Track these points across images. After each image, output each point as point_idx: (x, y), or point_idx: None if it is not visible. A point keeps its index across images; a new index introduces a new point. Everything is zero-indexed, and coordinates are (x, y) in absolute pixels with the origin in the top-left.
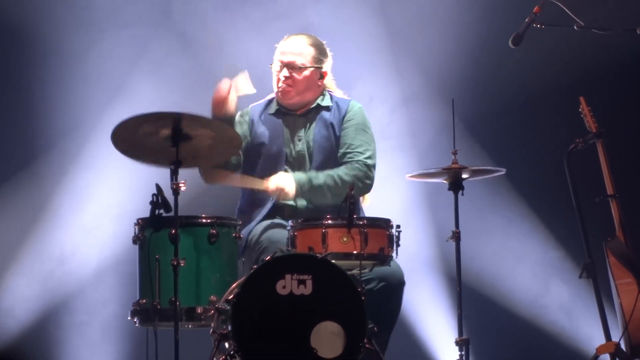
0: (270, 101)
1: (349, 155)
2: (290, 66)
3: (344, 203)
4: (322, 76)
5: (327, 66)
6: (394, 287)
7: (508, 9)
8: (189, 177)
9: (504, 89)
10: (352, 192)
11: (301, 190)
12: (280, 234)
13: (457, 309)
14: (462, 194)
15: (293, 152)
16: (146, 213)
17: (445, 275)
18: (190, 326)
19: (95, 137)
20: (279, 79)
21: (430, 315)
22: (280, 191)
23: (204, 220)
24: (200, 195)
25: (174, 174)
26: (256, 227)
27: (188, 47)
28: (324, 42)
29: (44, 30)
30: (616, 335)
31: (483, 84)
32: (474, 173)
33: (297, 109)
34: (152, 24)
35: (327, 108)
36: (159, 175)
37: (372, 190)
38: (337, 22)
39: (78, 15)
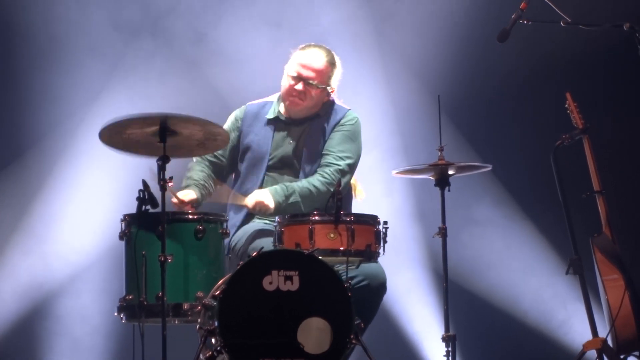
0: (267, 103)
1: (326, 159)
2: (306, 82)
3: (331, 199)
4: (329, 94)
5: (336, 82)
6: (374, 287)
7: (494, 5)
8: (176, 173)
9: (491, 86)
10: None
11: (279, 205)
12: (265, 243)
13: (444, 305)
14: (449, 190)
15: (281, 157)
16: (133, 209)
17: (432, 271)
18: (176, 322)
19: (81, 133)
20: (292, 89)
21: (417, 312)
22: (261, 205)
23: (190, 216)
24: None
25: (161, 170)
26: (239, 233)
27: (174, 42)
28: (337, 57)
29: (30, 24)
30: (603, 331)
31: (469, 80)
32: (460, 169)
33: (299, 119)
34: (138, 19)
35: (324, 114)
36: (147, 170)
37: (359, 186)
38: (324, 20)
39: (64, 10)
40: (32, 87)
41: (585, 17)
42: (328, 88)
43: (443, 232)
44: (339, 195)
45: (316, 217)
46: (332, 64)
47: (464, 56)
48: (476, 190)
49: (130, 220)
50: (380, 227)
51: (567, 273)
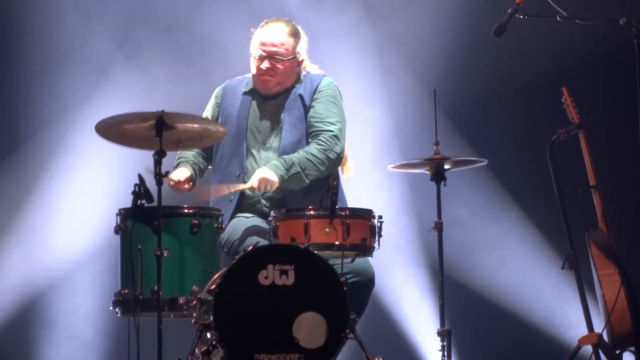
0: (245, 78)
1: (316, 127)
2: (271, 57)
3: (326, 193)
4: (299, 63)
5: (303, 51)
6: (364, 283)
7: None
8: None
9: (486, 80)
10: (323, 174)
11: (282, 178)
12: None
13: (439, 300)
14: (445, 185)
15: (260, 130)
16: (128, 203)
17: (428, 265)
18: (172, 316)
19: (76, 127)
20: (259, 69)
21: (412, 306)
22: (265, 182)
23: (186, 211)
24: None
25: (157, 164)
26: (229, 229)
27: (170, 35)
28: (298, 26)
29: (25, 23)
30: (598, 326)
31: (465, 74)
32: (456, 164)
33: (274, 95)
34: (134, 12)
35: (300, 84)
36: (143, 165)
37: (354, 181)
38: (320, 15)
39: (61, 4)
40: (27, 82)
41: (581, 11)
42: (297, 57)
43: (439, 227)
44: (334, 190)
45: (311, 212)
46: (293, 34)
47: (460, 50)
48: (472, 185)
49: (125, 215)
50: (376, 221)
51: (562, 268)
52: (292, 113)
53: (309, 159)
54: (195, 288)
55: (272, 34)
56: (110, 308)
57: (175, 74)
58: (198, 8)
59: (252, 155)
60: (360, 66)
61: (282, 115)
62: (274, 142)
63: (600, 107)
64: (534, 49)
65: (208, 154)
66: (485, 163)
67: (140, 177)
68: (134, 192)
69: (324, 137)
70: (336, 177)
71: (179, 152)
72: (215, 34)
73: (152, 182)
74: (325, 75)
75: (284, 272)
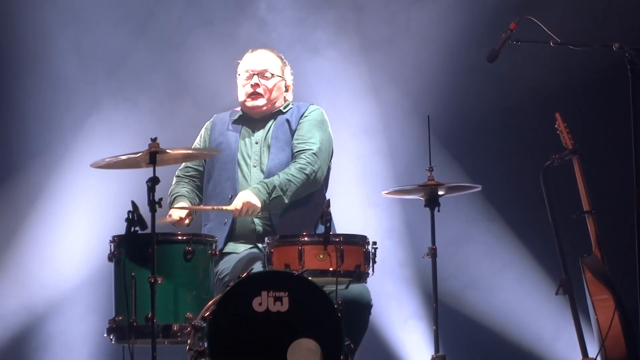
0: (234, 111)
1: (298, 147)
2: (260, 74)
3: (320, 220)
4: (287, 89)
5: (289, 79)
6: (362, 307)
7: (484, 25)
8: (165, 194)
9: (480, 106)
10: (304, 191)
11: (264, 203)
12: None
13: (434, 325)
14: (439, 211)
15: (248, 154)
16: (122, 230)
17: (422, 291)
18: (166, 343)
19: (70, 155)
20: (248, 87)
21: (407, 332)
22: (248, 206)
23: (179, 238)
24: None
25: (150, 191)
26: (224, 265)
27: (163, 61)
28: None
29: (18, 49)
30: (593, 351)
31: (459, 100)
32: (450, 190)
33: (262, 117)
34: (126, 38)
35: (287, 111)
36: (136, 191)
37: (348, 207)
38: (313, 41)
39: (54, 33)
40: (21, 110)
41: (575, 37)
42: (284, 80)
43: (433, 253)
44: (327, 217)
45: (305, 238)
46: (280, 58)
47: (453, 76)
48: (466, 210)
49: (119, 242)
50: (370, 247)
51: (557, 293)
52: (279, 137)
53: (289, 180)
54: (189, 315)
55: (259, 57)
56: (105, 335)
57: (165, 105)
58: (186, 44)
59: (244, 177)
60: (353, 92)
61: (270, 139)
62: (262, 164)
63: (594, 133)
64: (527, 75)
65: (199, 187)
66: (479, 189)
67: (133, 204)
68: (127, 219)
69: (303, 156)
70: (329, 204)
71: (171, 187)
72: (205, 68)
73: (146, 209)
74: (312, 104)
75: (278, 299)
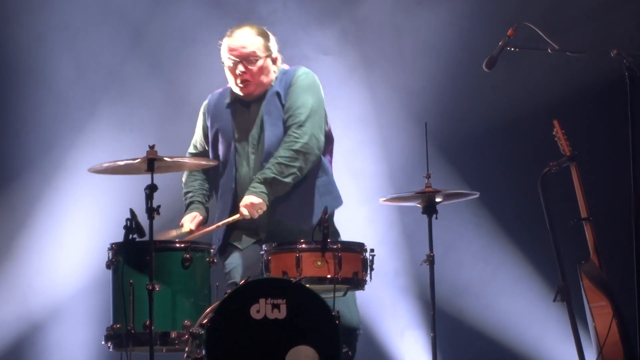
0: (226, 89)
1: (287, 122)
2: (245, 60)
3: (318, 227)
4: (274, 62)
5: (275, 50)
6: (348, 332)
7: (481, 32)
8: (163, 202)
9: (478, 112)
10: (302, 166)
11: (266, 195)
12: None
13: (431, 333)
14: (436, 218)
15: (246, 137)
16: (120, 238)
17: (419, 298)
18: (164, 350)
19: (68, 162)
20: (235, 75)
21: (405, 339)
22: (252, 207)
23: (177, 245)
24: (176, 218)
25: (148, 199)
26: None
27: (160, 67)
28: (264, 27)
29: (18, 52)
30: (591, 358)
31: (456, 107)
32: (448, 197)
33: (256, 98)
34: (123, 45)
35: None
36: (134, 199)
37: (346, 214)
38: (311, 48)
39: (52, 38)
40: (19, 115)
41: (572, 43)
42: (270, 56)
43: (430, 260)
44: (325, 224)
45: (303, 245)
46: (261, 34)
47: (451, 83)
48: (464, 217)
49: (117, 249)
50: (367, 254)
51: (554, 300)
52: (271, 112)
53: (279, 163)
54: (187, 322)
55: (239, 39)
56: (103, 342)
57: (163, 110)
58: (186, 43)
59: (247, 163)
60: (351, 99)
61: (263, 117)
62: (260, 145)
63: (592, 140)
64: (525, 81)
65: (211, 175)
66: (476, 196)
67: (131, 211)
68: (125, 227)
69: (290, 132)
70: (327, 211)
71: (184, 185)
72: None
73: (144, 216)
74: (300, 67)
75: (275, 306)
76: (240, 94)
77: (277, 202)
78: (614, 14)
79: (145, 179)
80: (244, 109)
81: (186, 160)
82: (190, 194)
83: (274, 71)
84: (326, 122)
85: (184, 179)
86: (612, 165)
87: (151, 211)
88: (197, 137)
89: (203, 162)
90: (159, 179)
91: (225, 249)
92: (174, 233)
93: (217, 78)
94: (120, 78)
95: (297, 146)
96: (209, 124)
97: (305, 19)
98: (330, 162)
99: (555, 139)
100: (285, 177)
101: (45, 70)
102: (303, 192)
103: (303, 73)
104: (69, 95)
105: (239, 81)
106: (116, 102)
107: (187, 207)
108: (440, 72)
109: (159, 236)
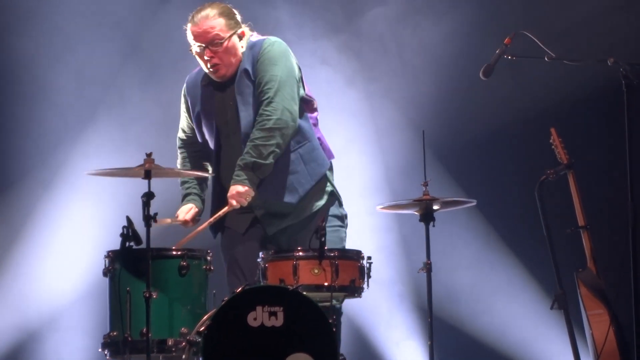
0: (202, 70)
1: (260, 97)
2: (210, 44)
3: (315, 235)
4: (241, 37)
5: (239, 25)
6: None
7: (479, 40)
8: (161, 209)
9: (475, 120)
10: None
11: (250, 182)
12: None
13: (429, 340)
14: (434, 226)
15: (226, 120)
16: (117, 245)
17: (417, 306)
18: (161, 358)
19: (65, 169)
20: (204, 62)
21: (402, 348)
22: (239, 196)
23: (174, 253)
24: (171, 226)
25: (145, 206)
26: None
27: (158, 76)
28: (224, 3)
29: (15, 58)
30: None
31: (454, 115)
32: (445, 204)
33: (230, 79)
34: (120, 55)
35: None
36: (131, 206)
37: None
38: (310, 54)
39: (50, 44)
40: (15, 124)
41: (569, 52)
42: (235, 33)
43: (428, 268)
44: (322, 231)
45: (300, 253)
46: (222, 13)
47: (448, 91)
48: (461, 225)
49: (114, 257)
50: (364, 262)
51: (552, 308)
52: (243, 91)
53: (255, 145)
54: (184, 330)
55: (200, 23)
56: (100, 350)
57: (161, 118)
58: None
59: (230, 145)
60: (349, 107)
61: (236, 97)
62: (237, 127)
63: (589, 148)
64: (522, 89)
65: (202, 156)
66: (474, 203)
67: (128, 219)
68: (122, 234)
69: (261, 111)
70: (325, 219)
71: (178, 161)
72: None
73: (141, 224)
74: (267, 38)
75: (273, 314)
76: (212, 77)
77: (260, 181)
78: (611, 22)
79: (142, 187)
80: (219, 91)
81: (182, 170)
82: (186, 185)
83: (242, 46)
84: (303, 86)
85: (178, 164)
86: (609, 173)
87: (148, 219)
88: (183, 121)
89: (198, 173)
90: (156, 184)
91: (223, 231)
92: (168, 221)
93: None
94: (118, 87)
95: (270, 124)
96: (190, 106)
97: (305, 28)
98: (315, 124)
99: (552, 146)
100: (265, 157)
101: (43, 78)
102: (284, 165)
103: (269, 44)
104: (67, 103)
105: (209, 65)
106: (113, 110)
107: (184, 199)
108: (437, 81)
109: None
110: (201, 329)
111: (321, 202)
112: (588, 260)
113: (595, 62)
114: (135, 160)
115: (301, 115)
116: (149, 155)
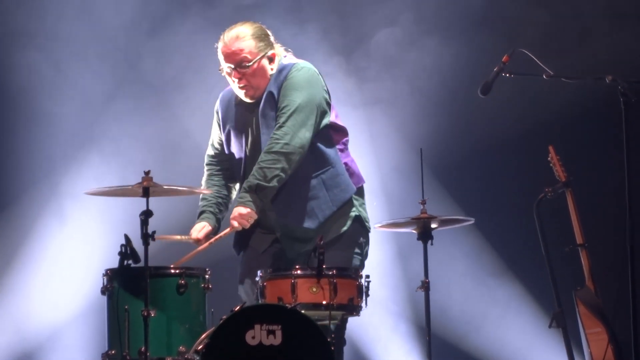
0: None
1: (276, 122)
2: (237, 66)
3: (313, 253)
4: (271, 59)
5: (270, 46)
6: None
7: (477, 58)
8: (159, 227)
9: (473, 138)
10: (286, 167)
11: (253, 204)
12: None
13: (427, 358)
14: (432, 244)
15: (254, 141)
16: (115, 263)
17: (415, 324)
18: None
19: (63, 188)
20: (234, 83)
21: None
22: (241, 217)
23: (172, 271)
24: (170, 244)
25: (144, 225)
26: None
27: (155, 96)
28: (258, 23)
29: (11, 77)
30: None
31: (451, 133)
32: (443, 223)
33: (258, 99)
34: (119, 72)
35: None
36: (129, 225)
37: None
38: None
39: (46, 63)
40: (15, 141)
41: (567, 69)
42: (265, 55)
43: (426, 286)
44: (320, 249)
45: (298, 271)
46: (253, 35)
47: (446, 109)
48: (459, 243)
49: (112, 275)
50: (363, 280)
51: (550, 326)
52: (267, 114)
53: (260, 167)
54: (182, 348)
55: (229, 44)
56: None
57: (159, 136)
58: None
59: (253, 165)
60: (347, 125)
61: (260, 119)
62: (259, 148)
63: (587, 165)
64: (520, 107)
65: (229, 176)
66: (472, 222)
67: (126, 237)
68: (120, 253)
69: (272, 134)
70: (322, 238)
71: (203, 178)
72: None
73: (139, 242)
74: (298, 62)
75: (271, 332)
76: (243, 98)
77: (281, 203)
78: (608, 38)
79: (140, 204)
80: (248, 111)
81: (181, 187)
82: (203, 202)
83: (272, 68)
84: (328, 113)
85: (202, 182)
86: (607, 191)
87: (146, 237)
88: (214, 136)
89: (196, 190)
90: (155, 203)
91: (246, 249)
92: (177, 238)
93: (213, 102)
94: (116, 104)
95: (276, 147)
96: (221, 122)
97: (300, 41)
98: (342, 150)
99: (551, 164)
100: (269, 181)
101: (41, 97)
102: (305, 191)
103: (296, 70)
104: (64, 123)
105: (239, 86)
106: (112, 128)
107: (199, 216)
108: (435, 98)
109: (161, 237)
110: (199, 348)
111: (344, 228)
112: (586, 279)
113: (593, 79)
114: (133, 180)
115: (327, 142)
116: (147, 173)
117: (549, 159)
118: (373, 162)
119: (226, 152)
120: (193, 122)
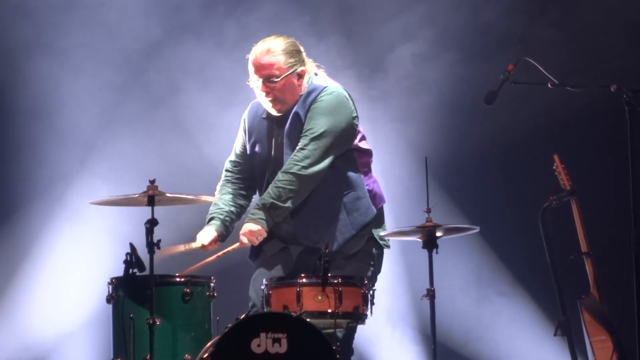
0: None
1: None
2: (265, 80)
3: (318, 261)
4: (301, 76)
5: (301, 62)
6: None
7: (481, 66)
8: (164, 236)
9: (478, 147)
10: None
11: (265, 222)
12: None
13: None
14: (437, 252)
15: (275, 156)
16: (120, 272)
17: (420, 333)
18: None
19: (69, 196)
20: (261, 96)
21: None
22: (251, 234)
23: (177, 279)
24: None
25: (149, 233)
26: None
27: (162, 102)
28: (291, 38)
29: (17, 85)
30: None
31: (457, 141)
32: (448, 231)
33: (285, 114)
34: (123, 81)
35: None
36: (134, 233)
37: None
38: None
39: (52, 71)
40: (19, 151)
41: (572, 78)
42: (295, 71)
43: (431, 294)
44: (326, 258)
45: (304, 280)
46: (283, 50)
47: (451, 118)
48: (464, 252)
49: (117, 284)
50: (368, 289)
51: (555, 334)
52: (292, 134)
53: (277, 187)
54: (187, 356)
55: (259, 57)
56: None
57: (164, 145)
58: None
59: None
60: None
61: (284, 139)
62: (280, 165)
63: (592, 174)
64: (525, 116)
65: (247, 186)
66: (477, 230)
67: (131, 245)
68: (125, 261)
69: (293, 156)
70: (328, 246)
71: (218, 185)
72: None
73: (144, 251)
74: (329, 86)
75: (276, 340)
76: (270, 112)
77: (300, 223)
78: (613, 47)
79: (145, 213)
80: (274, 127)
81: (185, 196)
82: (213, 208)
83: (300, 85)
84: (353, 137)
85: (217, 186)
86: (612, 199)
87: (151, 246)
88: (238, 143)
89: (202, 198)
90: (160, 212)
91: (258, 254)
92: (181, 248)
93: (218, 114)
94: (120, 114)
95: (294, 169)
96: (247, 133)
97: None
98: (366, 173)
99: (556, 173)
100: (284, 201)
101: (45, 106)
102: (326, 212)
103: (325, 94)
104: (69, 132)
105: (267, 100)
106: (116, 137)
107: (208, 222)
108: (440, 107)
109: (165, 250)
110: (205, 356)
111: (358, 247)
112: (591, 287)
113: (598, 88)
114: (138, 189)
115: (350, 165)
116: (152, 182)
117: (553, 167)
118: (377, 170)
119: (250, 160)
120: (199, 132)
